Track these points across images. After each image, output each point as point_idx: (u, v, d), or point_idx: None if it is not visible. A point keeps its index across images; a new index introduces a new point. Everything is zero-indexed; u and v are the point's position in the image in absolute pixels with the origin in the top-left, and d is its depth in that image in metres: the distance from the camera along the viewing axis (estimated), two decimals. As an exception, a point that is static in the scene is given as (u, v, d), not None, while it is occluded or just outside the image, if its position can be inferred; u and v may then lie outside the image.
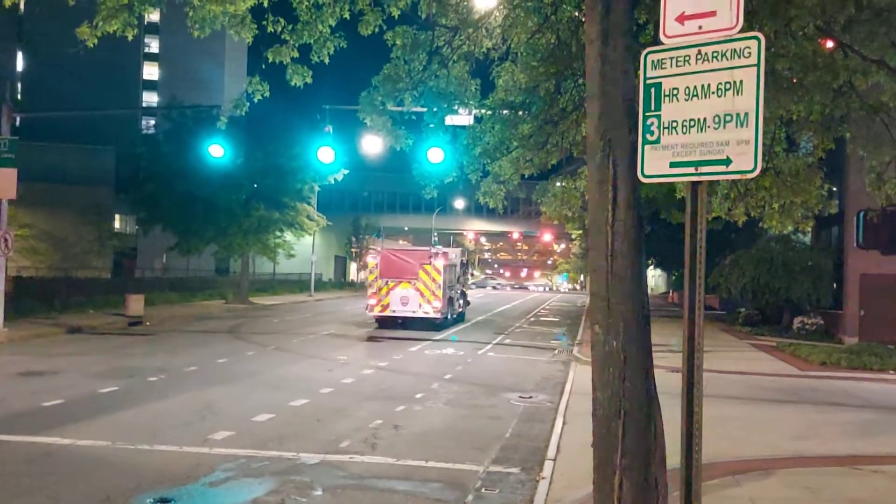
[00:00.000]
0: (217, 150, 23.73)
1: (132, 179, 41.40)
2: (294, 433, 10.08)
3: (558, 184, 16.13)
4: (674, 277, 60.35)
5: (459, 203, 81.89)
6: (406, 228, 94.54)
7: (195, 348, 19.36)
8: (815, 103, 8.62)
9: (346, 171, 35.75)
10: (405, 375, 15.88)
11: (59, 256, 46.27)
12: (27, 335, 20.57)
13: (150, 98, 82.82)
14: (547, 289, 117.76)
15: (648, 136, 4.71)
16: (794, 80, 8.23)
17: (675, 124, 4.60)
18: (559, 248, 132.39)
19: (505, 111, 12.42)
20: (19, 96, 65.75)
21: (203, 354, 17.92)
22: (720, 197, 11.36)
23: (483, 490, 7.87)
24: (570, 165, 14.78)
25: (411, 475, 8.29)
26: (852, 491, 7.92)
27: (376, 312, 26.72)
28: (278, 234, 39.99)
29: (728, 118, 4.40)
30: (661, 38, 4.67)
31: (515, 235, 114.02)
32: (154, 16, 67.91)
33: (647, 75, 4.72)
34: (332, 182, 39.40)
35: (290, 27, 8.94)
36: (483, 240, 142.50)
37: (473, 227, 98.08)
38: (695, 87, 4.53)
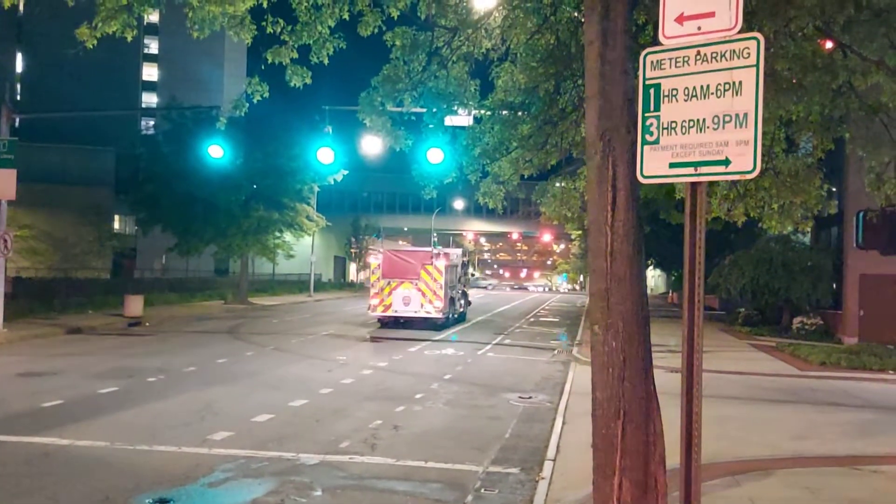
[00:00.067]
0: (216, 151, 23.72)
1: (132, 180, 41.42)
2: (293, 433, 10.08)
3: (558, 184, 16.13)
4: (673, 278, 60.34)
5: (459, 203, 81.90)
6: (406, 229, 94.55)
7: (194, 349, 19.35)
8: (814, 104, 8.63)
9: (346, 172, 35.78)
10: (405, 376, 15.88)
11: (59, 257, 46.26)
12: (27, 336, 20.55)
13: (150, 99, 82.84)
14: (546, 289, 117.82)
15: (648, 137, 4.71)
16: (794, 81, 8.24)
17: (674, 125, 4.61)
18: (558, 248, 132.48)
19: (504, 112, 12.43)
20: (19, 97, 65.89)
21: (202, 355, 17.91)
22: (719, 197, 11.36)
23: (483, 490, 7.87)
24: (569, 166, 14.78)
25: (411, 475, 8.29)
26: (852, 491, 7.92)
27: (379, 312, 26.91)
28: (278, 234, 39.99)
29: (727, 119, 4.41)
30: (661, 38, 4.68)
31: (515, 236, 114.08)
32: (153, 17, 67.89)
33: (647, 76, 4.73)
34: (332, 182, 39.42)
35: (289, 28, 8.94)
36: (482, 240, 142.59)
37: (473, 228, 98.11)
38: (694, 88, 4.54)
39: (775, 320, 28.67)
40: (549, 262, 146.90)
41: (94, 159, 53.74)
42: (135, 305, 27.01)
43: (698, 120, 4.51)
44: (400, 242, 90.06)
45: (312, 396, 12.85)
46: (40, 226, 44.72)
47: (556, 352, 21.56)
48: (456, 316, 29.90)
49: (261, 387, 13.72)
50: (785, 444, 10.19)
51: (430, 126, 11.68)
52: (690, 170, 4.54)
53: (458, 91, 10.86)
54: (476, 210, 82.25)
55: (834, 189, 20.33)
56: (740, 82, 4.37)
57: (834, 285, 26.16)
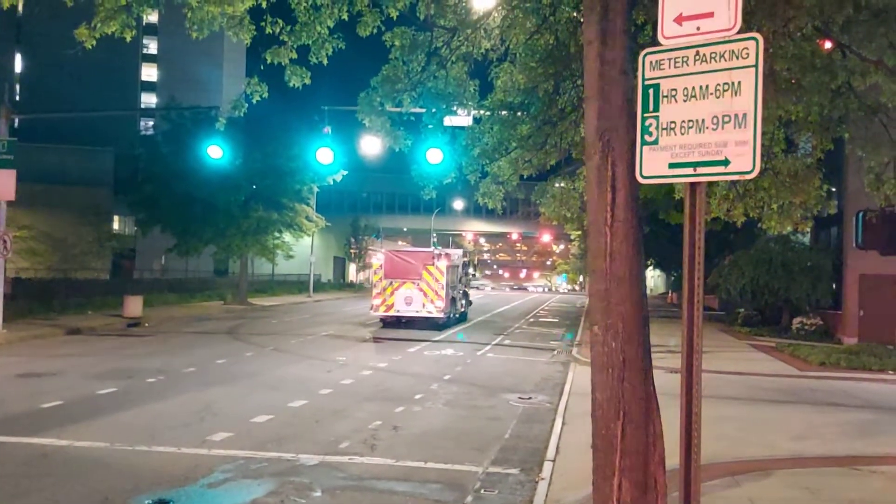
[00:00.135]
0: (216, 152, 23.71)
1: (131, 180, 41.39)
2: (293, 434, 10.07)
3: (557, 185, 16.13)
4: (673, 278, 60.38)
5: (458, 204, 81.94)
6: (405, 229, 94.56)
7: (194, 349, 19.34)
8: (813, 104, 8.63)
9: (345, 172, 35.78)
10: (404, 376, 15.88)
11: (58, 257, 46.24)
12: (26, 336, 20.54)
13: (149, 99, 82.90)
14: (546, 290, 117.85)
15: (647, 137, 4.71)
16: (793, 81, 8.25)
17: (673, 125, 4.61)
18: (558, 248, 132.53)
19: (504, 112, 12.43)
20: (18, 97, 65.87)
21: (202, 355, 17.90)
22: (719, 197, 11.37)
23: (482, 491, 7.87)
24: (568, 166, 14.78)
25: (410, 476, 8.29)
26: (851, 491, 7.92)
27: (381, 312, 27.22)
28: (277, 235, 39.98)
29: (726, 119, 4.40)
30: (660, 38, 4.67)
31: (514, 236, 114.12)
32: (153, 17, 67.90)
33: (646, 76, 4.73)
34: (331, 183, 39.42)
35: (288, 28, 8.94)
36: (482, 241, 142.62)
37: (472, 228, 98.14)
38: (693, 88, 4.54)
39: (775, 320, 28.67)
40: (548, 263, 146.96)
41: (93, 160, 53.72)
42: (134, 306, 27.00)
43: (697, 120, 4.51)
44: (399, 243, 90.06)
45: (312, 397, 12.84)
46: (39, 226, 44.72)
47: (555, 352, 21.56)
48: (457, 316, 30.14)
49: (260, 387, 13.71)
50: (784, 444, 10.19)
51: (430, 126, 11.69)
52: (689, 170, 4.54)
53: (458, 91, 10.86)
54: (475, 210, 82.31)
55: (833, 189, 20.31)
56: (739, 82, 4.37)
57: (833, 285, 26.16)
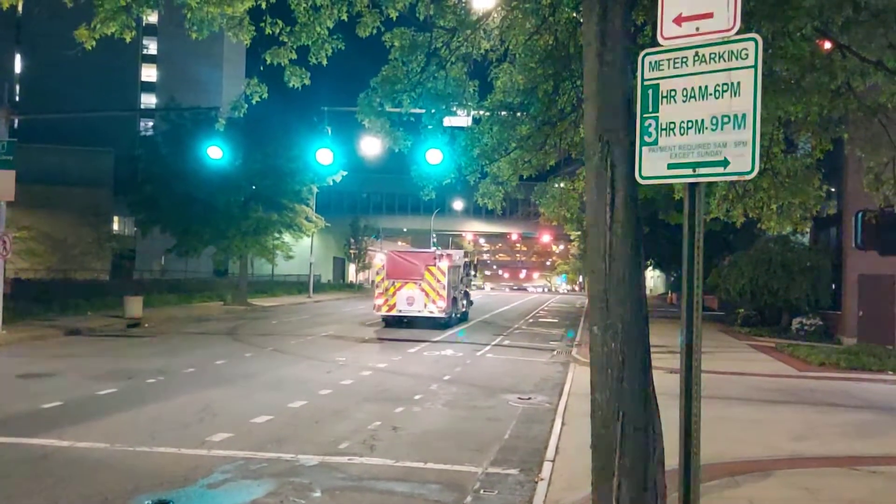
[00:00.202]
0: (215, 152, 23.72)
1: (131, 181, 41.39)
2: (293, 435, 10.07)
3: (557, 185, 16.14)
4: (672, 278, 60.36)
5: (458, 204, 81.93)
6: (405, 230, 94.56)
7: (194, 350, 19.34)
8: (813, 104, 8.63)
9: (345, 173, 35.75)
10: (404, 377, 15.88)
11: (58, 258, 46.24)
12: (26, 337, 20.54)
13: (149, 100, 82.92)
14: (545, 290, 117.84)
15: (646, 138, 4.72)
16: (792, 82, 8.25)
17: (672, 126, 4.61)
18: (558, 249, 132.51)
19: (503, 112, 12.43)
20: (18, 98, 65.86)
21: (201, 356, 17.90)
22: (718, 198, 11.38)
23: (482, 491, 7.87)
24: (568, 167, 14.80)
25: (410, 476, 8.29)
26: (851, 491, 7.93)
27: (383, 312, 27.60)
28: (277, 235, 39.96)
29: (726, 119, 4.41)
30: (659, 39, 4.68)
31: (514, 237, 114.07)
32: (152, 18, 67.93)
33: (645, 77, 4.73)
34: (331, 183, 39.38)
35: (288, 29, 8.94)
36: (482, 241, 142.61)
37: (472, 229, 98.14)
38: (692, 89, 4.54)
39: (774, 321, 28.67)
40: (548, 263, 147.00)
41: (93, 160, 53.72)
42: (134, 307, 26.99)
43: (697, 121, 4.52)
44: (399, 243, 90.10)
45: (311, 397, 12.84)
46: (39, 227, 44.71)
47: (555, 352, 21.56)
48: (458, 315, 30.46)
49: (260, 388, 13.72)
50: (784, 444, 10.19)
51: (429, 127, 11.68)
52: (689, 171, 4.54)
53: (457, 92, 10.88)
54: (475, 211, 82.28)
55: (833, 190, 20.36)
56: (738, 83, 4.37)
57: (833, 286, 26.17)
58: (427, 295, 26.81)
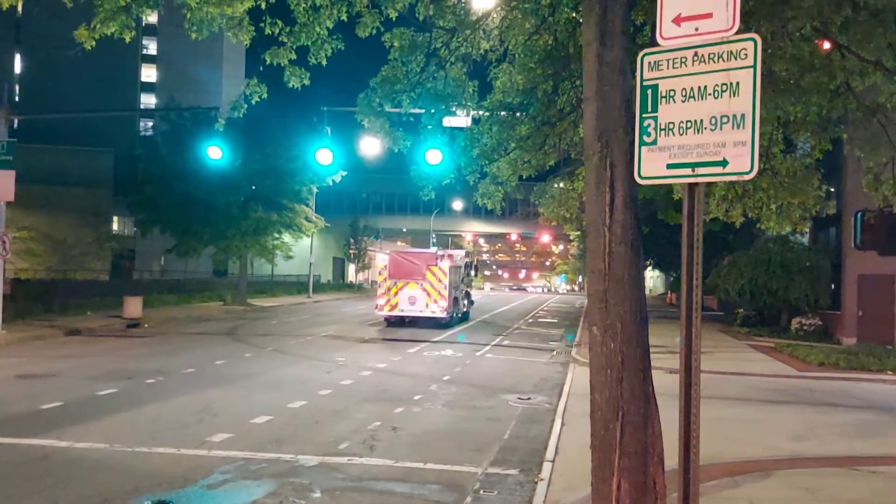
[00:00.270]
0: (215, 152, 23.71)
1: (130, 181, 41.38)
2: (292, 435, 10.07)
3: (556, 185, 16.15)
4: (672, 278, 60.36)
5: (458, 204, 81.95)
6: (404, 230, 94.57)
7: (193, 350, 19.34)
8: (812, 104, 8.64)
9: (345, 173, 35.76)
10: (403, 377, 15.88)
11: (58, 258, 46.19)
12: (25, 337, 20.54)
13: (148, 100, 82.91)
14: (545, 290, 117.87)
15: (645, 138, 4.72)
16: (791, 82, 8.25)
17: (671, 126, 4.61)
18: (557, 249, 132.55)
19: (503, 112, 12.44)
20: (17, 98, 65.85)
21: (201, 356, 17.90)
22: (718, 198, 11.38)
23: (481, 492, 7.87)
24: (567, 167, 14.80)
25: (410, 477, 8.29)
26: (850, 492, 7.93)
27: (385, 312, 27.87)
28: (276, 235, 39.96)
29: (725, 120, 4.41)
30: (658, 39, 4.68)
31: (514, 237, 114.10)
32: (152, 18, 67.93)
33: (644, 77, 4.73)
34: (331, 184, 39.40)
35: (287, 29, 8.94)
36: (481, 241, 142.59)
37: (472, 229, 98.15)
38: (691, 89, 4.54)
39: (774, 321, 28.67)
40: (547, 263, 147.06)
41: (92, 160, 53.65)
42: (134, 307, 27.00)
43: (696, 121, 4.51)
44: (399, 243, 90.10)
45: (311, 398, 12.84)
46: (39, 227, 44.66)
47: (554, 353, 21.56)
48: (459, 315, 30.76)
49: (260, 388, 13.71)
50: (783, 444, 10.19)
51: (429, 127, 11.69)
52: (688, 171, 4.54)
53: (457, 92, 10.88)
54: (475, 211, 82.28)
55: (832, 190, 20.34)
56: (738, 83, 4.37)
57: (832, 286, 26.17)
58: (429, 295, 27.05)
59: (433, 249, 34.41)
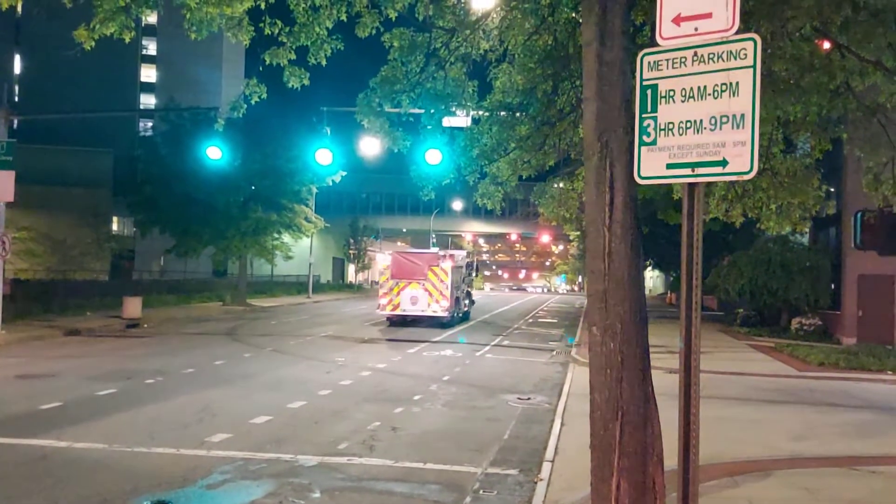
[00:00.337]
0: (215, 153, 23.71)
1: (130, 182, 41.39)
2: (292, 435, 10.07)
3: (556, 185, 16.15)
4: (672, 278, 60.36)
5: (457, 205, 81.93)
6: (404, 230, 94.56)
7: (193, 350, 19.33)
8: (812, 104, 8.64)
9: (344, 173, 35.78)
10: (403, 377, 15.87)
11: (57, 259, 46.19)
12: (25, 337, 20.53)
13: (148, 100, 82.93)
14: (545, 290, 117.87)
15: (645, 138, 4.71)
16: (791, 82, 8.25)
17: (671, 126, 4.61)
18: (557, 249, 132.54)
19: (502, 113, 12.44)
20: (17, 98, 65.85)
21: (201, 356, 17.89)
22: (717, 198, 11.37)
23: (481, 492, 7.86)
24: (567, 167, 14.80)
25: (409, 477, 8.29)
26: (850, 491, 7.93)
27: (388, 311, 28.18)
28: (276, 235, 39.95)
29: (724, 119, 4.41)
30: (658, 39, 4.67)
31: (513, 237, 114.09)
32: (151, 18, 67.92)
33: (644, 77, 4.73)
34: (331, 184, 39.40)
35: (287, 29, 8.94)
36: (481, 241, 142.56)
37: (471, 229, 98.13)
38: (691, 89, 4.54)
39: (774, 321, 28.67)
40: (547, 263, 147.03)
41: (92, 161, 53.66)
42: (133, 307, 27.00)
43: (695, 121, 4.51)
44: (399, 244, 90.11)
45: (311, 398, 12.83)
46: (38, 227, 44.66)
47: (554, 353, 21.56)
48: (461, 315, 31.08)
49: (259, 388, 13.71)
50: (783, 444, 10.19)
51: (429, 127, 11.69)
52: (688, 171, 4.54)
53: (456, 92, 10.88)
54: (475, 211, 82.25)
55: (832, 190, 20.35)
56: (737, 83, 4.37)
57: (832, 286, 26.17)
58: (430, 295, 27.32)
59: (435, 250, 34.72)
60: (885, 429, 11.67)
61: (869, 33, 7.38)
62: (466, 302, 32.86)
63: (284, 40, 8.99)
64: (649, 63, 4.71)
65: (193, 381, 14.38)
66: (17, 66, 77.46)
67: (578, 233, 47.32)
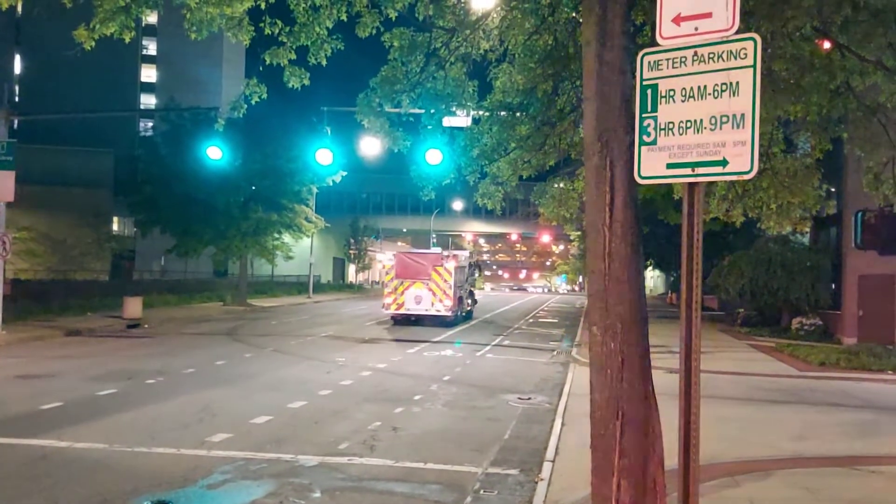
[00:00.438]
0: (215, 153, 23.72)
1: (130, 182, 41.39)
2: (292, 435, 10.07)
3: (556, 185, 16.14)
4: (672, 278, 60.36)
5: (458, 205, 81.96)
6: (405, 230, 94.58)
7: (193, 350, 19.34)
8: (812, 104, 8.64)
9: (345, 173, 35.78)
10: (404, 377, 15.87)
11: (58, 259, 46.22)
12: (25, 338, 20.54)
13: (148, 100, 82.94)
14: (545, 290, 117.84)
15: (645, 138, 4.71)
16: (792, 81, 8.25)
17: (671, 125, 4.61)
18: (558, 249, 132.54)
19: (503, 112, 12.44)
20: (17, 98, 65.85)
21: (201, 357, 17.90)
22: (718, 198, 11.37)
23: (482, 492, 7.86)
24: (567, 167, 14.80)
25: (410, 477, 8.29)
26: (851, 491, 7.92)
27: (392, 311, 28.69)
28: (276, 235, 39.97)
29: (724, 119, 4.41)
30: (658, 39, 4.68)
31: (514, 237, 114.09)
32: (152, 18, 67.95)
33: (644, 77, 4.73)
34: (331, 184, 39.40)
35: (287, 29, 8.94)
36: (482, 241, 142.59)
37: (472, 229, 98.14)
38: (691, 89, 4.54)
39: (774, 321, 28.66)
40: (548, 263, 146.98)
41: (92, 161, 53.71)
42: (133, 307, 27.00)
43: (695, 120, 4.51)
44: (399, 244, 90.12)
45: (311, 398, 12.83)
46: (39, 227, 44.68)
47: (555, 353, 21.56)
48: (463, 314, 31.52)
49: (259, 388, 13.71)
50: (784, 444, 10.18)
51: (429, 127, 11.70)
52: (688, 170, 4.54)
53: (457, 92, 10.88)
54: (475, 211, 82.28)
55: (832, 189, 20.33)
56: (737, 83, 4.37)
57: (833, 286, 26.16)
58: (434, 294, 27.82)
59: (438, 250, 35.15)
60: (886, 428, 11.66)
61: (869, 33, 7.39)
62: (469, 301, 33.34)
63: (284, 40, 8.99)
64: (649, 63, 4.71)
65: (194, 381, 14.38)
66: (18, 66, 77.48)
67: (579, 233, 47.34)
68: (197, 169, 32.21)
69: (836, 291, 25.81)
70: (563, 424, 10.90)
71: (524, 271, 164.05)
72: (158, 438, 9.60)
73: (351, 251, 72.04)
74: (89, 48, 8.04)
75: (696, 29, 4.50)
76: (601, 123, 5.28)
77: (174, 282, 45.44)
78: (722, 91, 4.41)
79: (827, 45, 8.16)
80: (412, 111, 11.00)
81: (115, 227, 56.50)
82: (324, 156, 22.80)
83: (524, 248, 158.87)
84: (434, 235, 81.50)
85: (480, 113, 12.73)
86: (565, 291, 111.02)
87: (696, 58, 4.51)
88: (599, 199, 5.26)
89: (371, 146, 19.80)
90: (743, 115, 4.34)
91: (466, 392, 14.12)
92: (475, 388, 14.65)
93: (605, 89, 5.27)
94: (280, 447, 9.35)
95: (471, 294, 34.20)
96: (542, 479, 8.13)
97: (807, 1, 6.87)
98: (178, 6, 8.21)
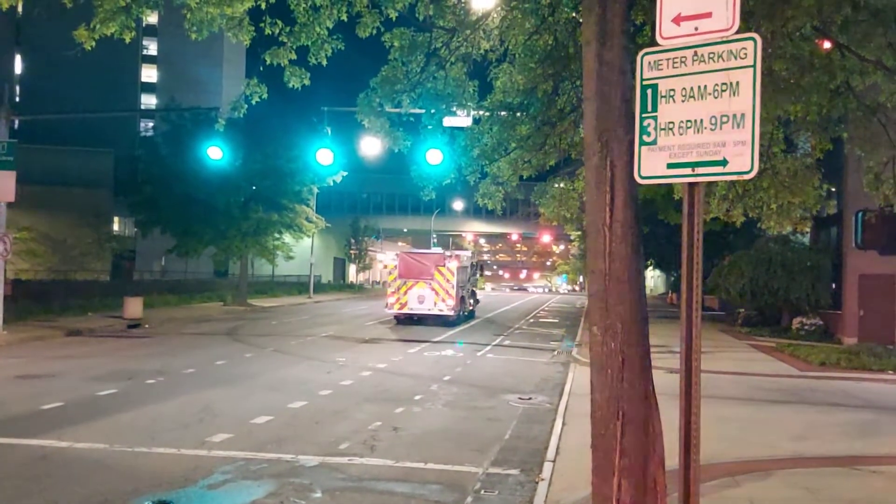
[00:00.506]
0: (215, 153, 23.73)
1: (131, 182, 41.40)
2: (293, 435, 10.07)
3: (556, 185, 16.15)
4: (673, 278, 60.35)
5: (458, 205, 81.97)
6: (405, 230, 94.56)
7: (193, 350, 19.34)
8: (812, 104, 8.64)
9: (345, 173, 35.80)
10: (404, 377, 15.87)
11: (58, 259, 46.20)
12: (26, 338, 20.54)
13: (149, 100, 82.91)
14: (546, 290, 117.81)
15: (645, 138, 4.71)
16: (792, 81, 8.24)
17: (671, 125, 4.61)
18: (558, 249, 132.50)
19: (503, 112, 12.45)
20: (18, 98, 65.86)
21: (201, 357, 17.90)
22: (718, 198, 11.38)
23: (482, 492, 7.86)
24: (568, 167, 14.80)
25: (410, 477, 8.29)
26: (851, 491, 7.92)
27: (395, 310, 28.99)
28: (277, 236, 39.97)
29: (724, 119, 4.40)
30: (658, 39, 4.67)
31: (514, 237, 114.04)
32: (152, 18, 67.95)
33: (644, 76, 4.73)
34: (331, 184, 39.41)
35: (287, 29, 8.95)
36: (482, 241, 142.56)
37: (472, 229, 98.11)
38: (691, 89, 4.54)
39: (775, 321, 28.66)
40: (548, 263, 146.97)
41: (93, 161, 53.69)
42: (134, 307, 27.01)
43: (696, 120, 4.51)
44: (399, 244, 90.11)
45: (312, 398, 12.84)
46: (39, 228, 44.65)
47: (555, 353, 21.56)
48: (466, 314, 31.86)
49: (260, 388, 13.71)
50: (784, 444, 10.18)
51: (429, 127, 11.70)
52: (688, 170, 4.54)
53: (457, 92, 10.88)
54: (475, 211, 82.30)
55: (833, 189, 20.33)
56: (737, 83, 4.37)
57: (833, 286, 26.16)
58: (437, 294, 28.15)
59: (441, 250, 35.46)
60: (886, 428, 11.66)
61: (869, 33, 7.39)
62: (471, 301, 33.72)
63: (285, 40, 9.00)
64: (649, 63, 4.71)
65: (194, 381, 14.38)
66: (18, 66, 77.48)
67: (579, 233, 47.31)
68: (197, 169, 32.22)
69: (837, 291, 25.81)
70: (563, 424, 10.90)
71: (525, 271, 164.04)
72: (159, 438, 9.60)
73: (351, 251, 72.02)
74: (90, 48, 8.05)
75: (696, 29, 4.50)
76: (601, 123, 5.28)
77: (174, 282, 45.44)
78: (722, 91, 4.41)
79: (827, 44, 8.16)
80: (412, 111, 11.00)
81: (115, 227, 56.51)
82: (324, 156, 22.79)
83: (525, 248, 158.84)
84: (434, 235, 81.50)
85: (481, 113, 12.74)
86: (566, 291, 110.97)
87: (696, 58, 4.51)
88: (600, 198, 5.26)
89: (371, 146, 19.80)
90: (743, 114, 4.34)
91: (467, 392, 14.12)
92: (476, 387, 14.65)
93: (605, 89, 5.27)
94: (280, 447, 9.36)
95: (472, 294, 34.58)
96: (542, 479, 8.13)
97: (807, 1, 6.87)
98: (178, 6, 8.21)
